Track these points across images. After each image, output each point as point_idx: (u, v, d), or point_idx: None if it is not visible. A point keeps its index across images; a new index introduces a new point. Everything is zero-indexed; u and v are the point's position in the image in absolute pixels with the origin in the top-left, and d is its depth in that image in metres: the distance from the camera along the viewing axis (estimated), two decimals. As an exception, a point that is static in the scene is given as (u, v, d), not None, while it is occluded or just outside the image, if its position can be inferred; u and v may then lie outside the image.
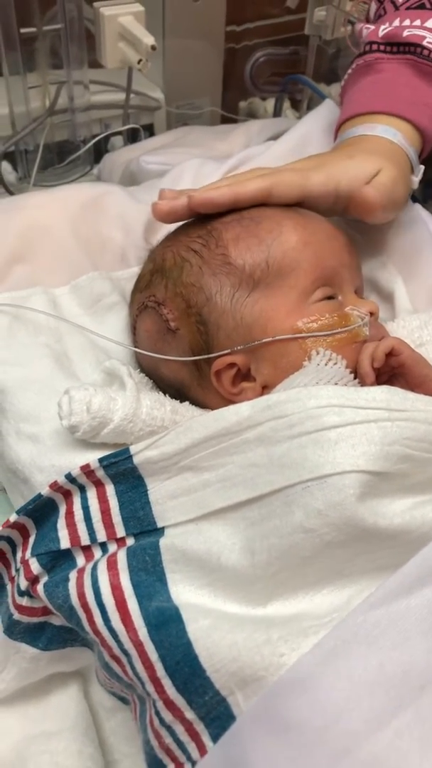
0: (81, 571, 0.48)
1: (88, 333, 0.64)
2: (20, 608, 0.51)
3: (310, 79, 1.05)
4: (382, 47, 0.74)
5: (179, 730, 0.42)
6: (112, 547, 0.50)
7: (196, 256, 0.60)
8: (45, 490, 0.51)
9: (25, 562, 0.50)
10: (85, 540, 0.50)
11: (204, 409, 0.58)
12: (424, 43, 0.70)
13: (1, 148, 0.90)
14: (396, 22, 0.73)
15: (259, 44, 1.16)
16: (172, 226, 0.67)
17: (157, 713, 0.42)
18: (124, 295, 0.70)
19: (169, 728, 0.42)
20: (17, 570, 0.51)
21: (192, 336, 0.59)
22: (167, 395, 0.57)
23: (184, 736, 0.42)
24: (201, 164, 0.80)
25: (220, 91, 1.11)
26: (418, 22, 0.72)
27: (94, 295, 0.69)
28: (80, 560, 0.50)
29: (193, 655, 0.41)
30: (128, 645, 0.43)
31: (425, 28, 0.71)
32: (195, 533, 0.48)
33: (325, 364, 0.54)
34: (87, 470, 0.51)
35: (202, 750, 0.41)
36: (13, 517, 0.52)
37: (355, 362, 0.56)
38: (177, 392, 0.61)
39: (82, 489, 0.51)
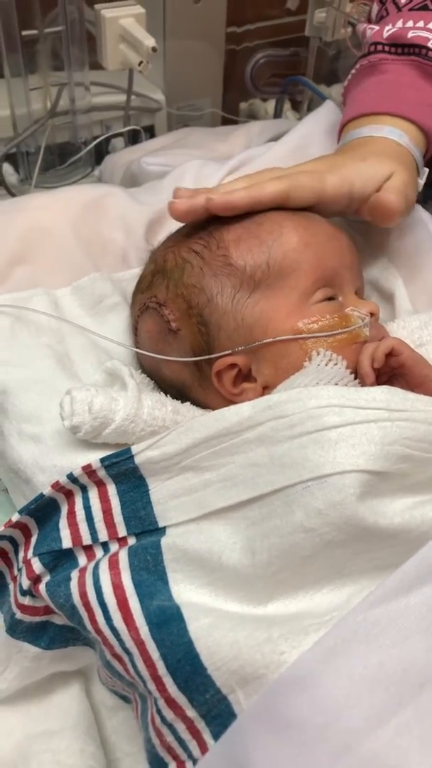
0: (83, 570, 0.48)
1: (89, 334, 0.64)
2: (22, 607, 0.51)
3: (311, 81, 1.06)
4: (387, 48, 0.74)
5: (180, 728, 0.42)
6: (114, 547, 0.50)
7: (197, 257, 0.60)
8: (47, 490, 0.51)
9: (27, 562, 0.50)
10: (86, 540, 0.50)
11: (205, 410, 0.58)
12: (429, 44, 0.70)
13: (3, 149, 0.90)
14: (399, 23, 0.73)
15: (259, 45, 1.16)
16: (173, 228, 0.67)
17: (159, 711, 0.43)
18: (126, 296, 0.70)
19: (170, 726, 0.42)
20: (19, 569, 0.52)
21: (193, 337, 0.60)
22: (168, 396, 0.57)
23: (185, 734, 0.42)
24: (202, 165, 0.80)
25: (221, 92, 1.11)
26: (421, 24, 0.72)
27: (96, 296, 0.69)
28: (82, 560, 0.50)
29: (194, 653, 0.41)
30: (130, 644, 0.44)
31: (429, 30, 0.71)
32: (196, 533, 0.48)
33: (326, 365, 0.54)
34: (89, 470, 0.51)
35: (203, 748, 0.41)
36: (15, 517, 0.52)
37: (355, 363, 0.57)
38: (178, 393, 0.61)
39: (84, 489, 0.51)
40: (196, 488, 0.49)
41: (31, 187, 0.93)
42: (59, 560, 0.50)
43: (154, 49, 0.80)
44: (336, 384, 0.53)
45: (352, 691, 0.37)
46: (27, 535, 0.53)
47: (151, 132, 1.03)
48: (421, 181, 0.69)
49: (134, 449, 0.51)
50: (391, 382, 0.57)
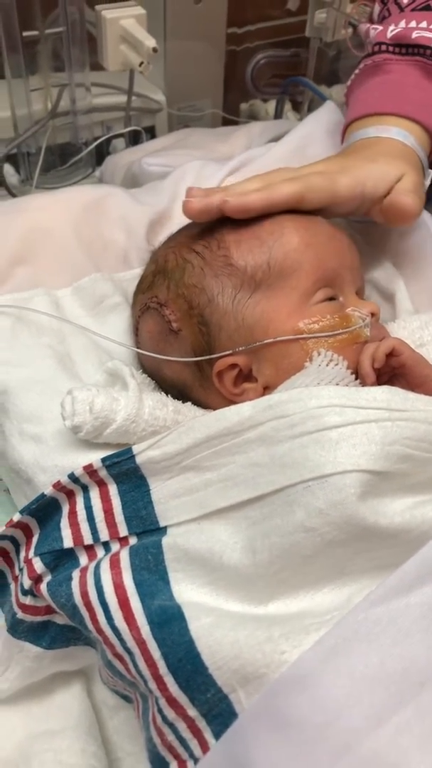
0: (84, 570, 0.48)
1: (90, 334, 0.64)
2: (24, 607, 0.51)
3: (311, 81, 1.06)
4: (390, 48, 0.74)
5: (182, 727, 0.42)
6: (115, 547, 0.50)
7: (198, 258, 0.60)
8: (48, 490, 0.51)
9: (28, 562, 0.51)
10: (88, 539, 0.50)
11: (206, 410, 0.58)
12: None
13: (4, 150, 0.90)
14: (402, 24, 0.73)
15: (260, 46, 1.16)
16: (174, 228, 0.67)
17: (160, 711, 0.43)
18: (127, 296, 0.70)
19: (171, 726, 0.42)
20: (21, 569, 0.52)
21: (194, 337, 0.60)
22: (169, 396, 0.57)
23: (186, 734, 0.42)
24: (202, 166, 0.80)
25: (221, 93, 1.11)
26: (425, 24, 0.72)
27: (97, 296, 0.69)
28: (83, 559, 0.50)
29: (195, 652, 0.42)
30: (131, 643, 0.44)
31: None
32: (197, 532, 0.48)
33: (327, 365, 0.54)
34: (90, 470, 0.51)
35: (205, 747, 0.41)
36: (16, 517, 0.52)
37: (356, 363, 0.57)
38: (179, 393, 0.61)
39: (85, 489, 0.52)
40: (197, 488, 0.49)
41: (32, 187, 0.93)
42: (60, 560, 0.50)
43: (154, 50, 0.80)
44: (337, 384, 0.53)
45: (353, 690, 0.37)
46: (28, 534, 0.53)
47: (151, 133, 1.03)
48: (427, 182, 0.69)
49: (135, 449, 0.51)
50: (391, 382, 0.57)
